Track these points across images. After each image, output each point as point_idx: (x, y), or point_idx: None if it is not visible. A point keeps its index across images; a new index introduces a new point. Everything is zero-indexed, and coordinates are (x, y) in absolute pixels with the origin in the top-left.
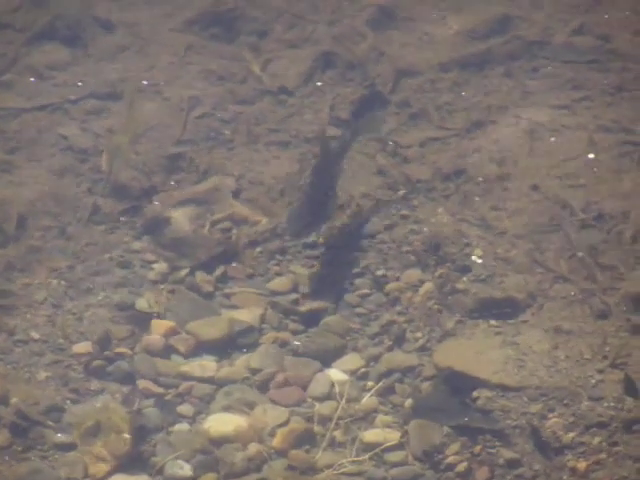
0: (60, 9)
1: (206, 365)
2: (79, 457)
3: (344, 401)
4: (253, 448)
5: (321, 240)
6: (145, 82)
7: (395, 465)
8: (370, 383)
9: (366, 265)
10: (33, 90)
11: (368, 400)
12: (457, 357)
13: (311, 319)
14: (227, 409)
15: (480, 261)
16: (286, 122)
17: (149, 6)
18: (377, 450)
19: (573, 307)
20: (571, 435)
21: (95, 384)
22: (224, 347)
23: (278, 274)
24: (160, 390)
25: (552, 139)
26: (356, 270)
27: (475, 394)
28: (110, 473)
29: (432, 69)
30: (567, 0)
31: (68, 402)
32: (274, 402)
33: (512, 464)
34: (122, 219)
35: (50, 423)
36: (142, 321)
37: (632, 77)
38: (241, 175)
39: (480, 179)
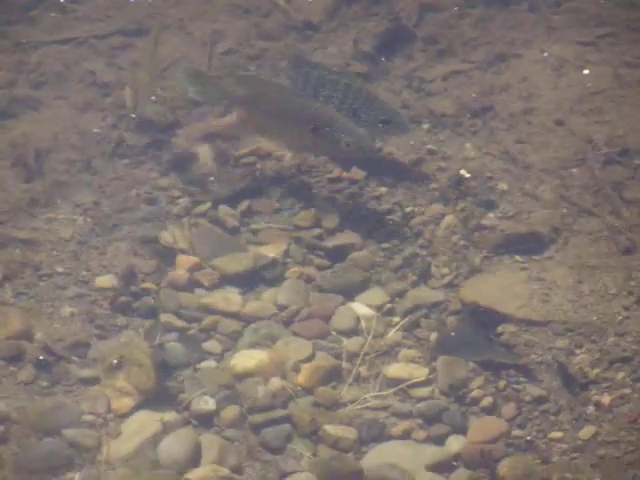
0: None
1: (230, 298)
2: (102, 391)
3: (370, 336)
4: (275, 382)
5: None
6: (170, 17)
7: (421, 400)
8: (396, 318)
9: (396, 201)
10: (59, 25)
11: (393, 335)
12: (483, 292)
13: (337, 255)
14: (254, 345)
15: (505, 196)
16: (311, 56)
17: None
18: (403, 385)
19: (598, 243)
20: (596, 371)
21: (121, 320)
22: (248, 280)
23: (303, 208)
24: (182, 324)
25: (576, 74)
26: (385, 206)
27: (500, 329)
28: (135, 408)
29: (456, 4)
30: None
31: (94, 338)
32: (297, 335)
33: (539, 400)
34: (147, 153)
35: (75, 358)
36: (167, 256)
37: None
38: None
39: (505, 114)
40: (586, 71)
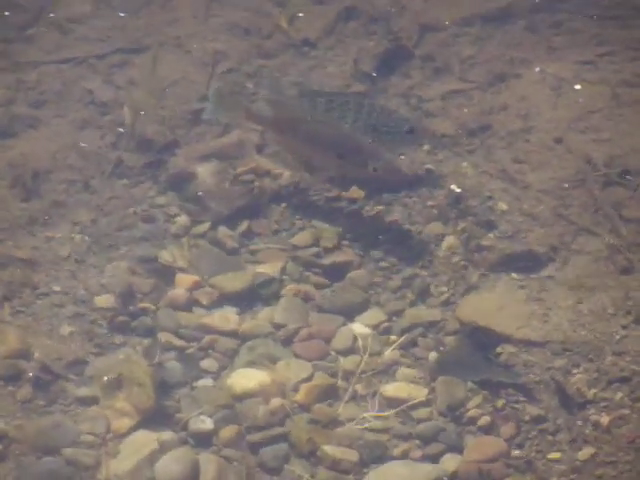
0: None
1: (228, 317)
2: (101, 412)
3: (367, 355)
4: (276, 402)
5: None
6: (169, 36)
7: (421, 421)
8: (393, 337)
9: (392, 220)
10: (58, 44)
11: (390, 353)
12: (481, 312)
13: (335, 273)
14: (251, 364)
15: (504, 216)
16: (309, 75)
17: None
18: (404, 407)
19: (597, 262)
20: (594, 391)
21: (119, 339)
22: (246, 299)
23: (301, 229)
24: (181, 343)
25: (575, 93)
26: (382, 224)
27: (498, 349)
28: (134, 428)
29: (455, 24)
30: None
31: (91, 356)
32: (298, 356)
33: (537, 420)
34: (146, 173)
35: (72, 377)
36: (166, 275)
37: None
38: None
39: (504, 133)
40: (577, 86)
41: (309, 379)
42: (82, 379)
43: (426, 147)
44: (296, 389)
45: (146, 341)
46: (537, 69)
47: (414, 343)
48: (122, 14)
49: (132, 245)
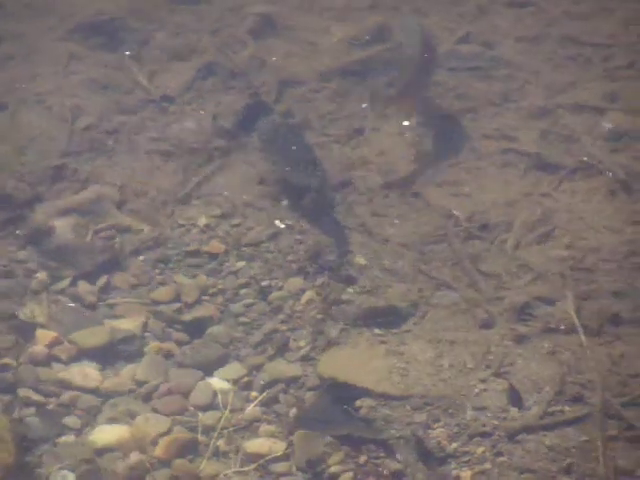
0: None
1: (89, 373)
2: None
3: (227, 411)
4: (135, 457)
5: None
6: (29, 92)
7: (280, 475)
8: (254, 393)
9: (252, 275)
10: None
11: (252, 410)
12: (341, 367)
13: (195, 329)
14: (112, 421)
15: (363, 270)
16: (168, 131)
17: (34, 19)
18: (262, 461)
19: (457, 316)
20: (455, 445)
21: None
22: (106, 355)
23: (161, 283)
24: (40, 398)
25: (434, 148)
26: (241, 280)
27: (358, 403)
28: None
29: (315, 78)
30: (452, 8)
31: None
32: (157, 411)
33: (396, 475)
34: (6, 228)
35: None
36: (26, 331)
37: (517, 86)
38: (124, 185)
39: (364, 188)
40: (406, 122)
41: (167, 433)
42: None
43: (284, 202)
44: (155, 443)
45: (6, 397)
46: (397, 123)
47: (275, 399)
48: None
49: None
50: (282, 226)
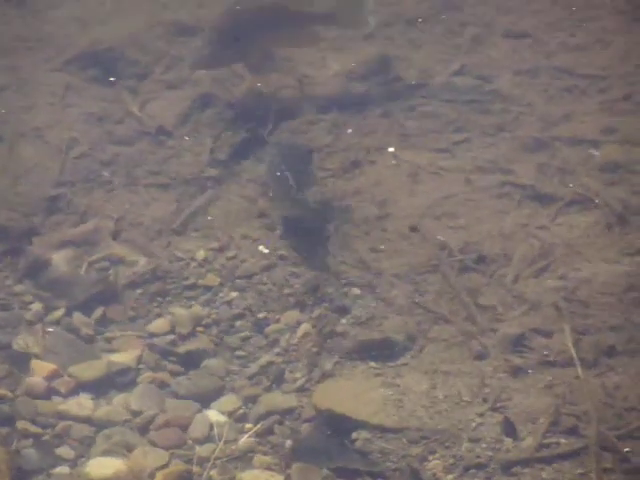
0: None
1: (83, 403)
2: None
3: (222, 442)
4: None
5: None
6: (25, 124)
7: None
8: (248, 425)
9: (246, 306)
10: None
11: (246, 441)
12: (336, 399)
13: (190, 361)
14: (107, 452)
15: (359, 302)
16: (165, 164)
17: (29, 50)
18: None
19: (452, 349)
20: (450, 477)
21: None
22: (102, 387)
23: (158, 315)
24: (38, 430)
25: (430, 180)
26: (236, 311)
27: (354, 435)
28: None
29: (311, 111)
30: (447, 40)
31: None
32: (154, 444)
33: None
34: (2, 261)
35: None
36: (21, 362)
37: (512, 118)
38: (120, 217)
39: (360, 220)
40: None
41: (165, 466)
42: None
43: (277, 231)
44: (152, 476)
45: (4, 429)
46: (393, 156)
47: (270, 431)
48: None
49: None
50: (266, 251)
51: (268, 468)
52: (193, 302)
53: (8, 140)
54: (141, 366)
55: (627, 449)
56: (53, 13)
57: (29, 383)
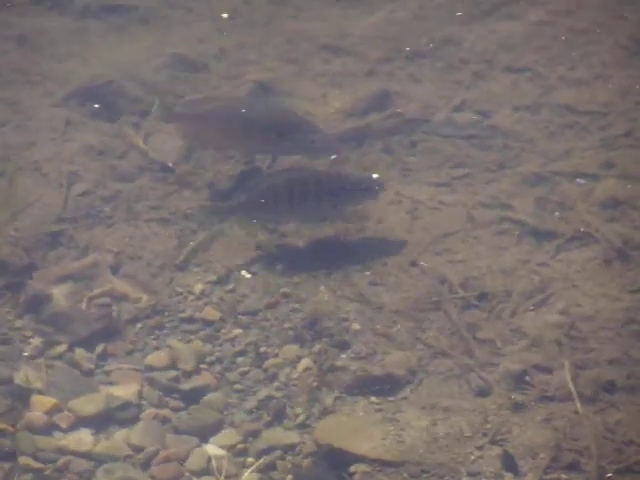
0: None
1: (82, 437)
2: None
3: (223, 477)
4: None
5: None
6: (25, 159)
7: None
8: (250, 459)
9: (248, 342)
10: None
11: (248, 476)
12: (336, 434)
13: (192, 396)
14: None
15: (359, 337)
16: (166, 199)
17: (29, 85)
18: None
19: (452, 384)
20: None
21: None
22: (103, 422)
23: (157, 349)
24: (39, 465)
25: (431, 216)
26: (238, 348)
27: (352, 468)
28: None
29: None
30: (447, 76)
31: None
32: (154, 479)
33: None
34: (3, 296)
35: None
36: (22, 396)
37: (513, 154)
38: (121, 251)
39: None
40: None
41: None
42: None
43: (279, 267)
44: None
45: (6, 465)
46: (394, 192)
47: (272, 466)
48: None
49: None
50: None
51: None
52: (193, 336)
53: (8, 176)
54: (143, 402)
55: None
56: (54, 49)
57: (29, 417)
